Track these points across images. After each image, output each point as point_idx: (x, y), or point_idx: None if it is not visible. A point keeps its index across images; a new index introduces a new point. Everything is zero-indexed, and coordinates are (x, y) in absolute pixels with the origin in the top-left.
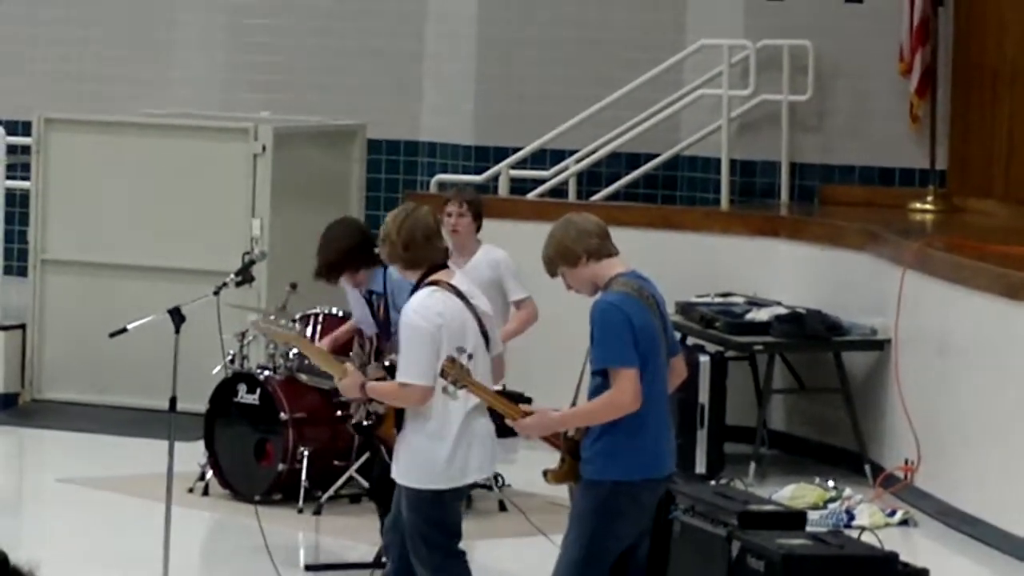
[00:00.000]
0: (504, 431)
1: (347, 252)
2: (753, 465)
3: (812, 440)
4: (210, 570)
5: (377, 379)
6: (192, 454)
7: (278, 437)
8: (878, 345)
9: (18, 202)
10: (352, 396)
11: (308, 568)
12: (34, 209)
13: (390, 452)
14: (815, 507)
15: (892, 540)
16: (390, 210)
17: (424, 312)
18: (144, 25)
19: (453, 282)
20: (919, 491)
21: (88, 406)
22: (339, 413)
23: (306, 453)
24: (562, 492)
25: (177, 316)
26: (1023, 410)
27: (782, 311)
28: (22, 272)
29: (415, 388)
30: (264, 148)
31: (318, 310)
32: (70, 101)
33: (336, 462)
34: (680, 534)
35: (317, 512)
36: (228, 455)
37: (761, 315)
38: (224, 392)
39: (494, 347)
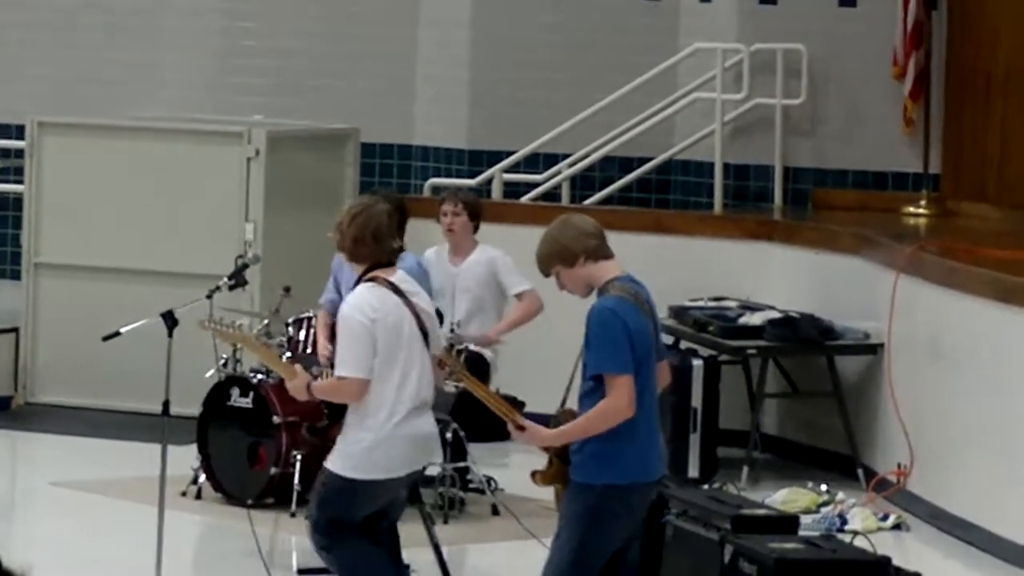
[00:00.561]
0: (497, 434)
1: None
2: (746, 469)
3: (805, 444)
4: (203, 574)
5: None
6: (185, 458)
7: (271, 441)
8: (871, 349)
9: (11, 206)
10: (301, 398)
11: (301, 572)
12: (27, 213)
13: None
14: (808, 511)
15: (885, 544)
16: None
17: (360, 307)
18: (137, 29)
19: (392, 279)
20: (912, 495)
21: (81, 409)
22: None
23: (299, 457)
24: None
25: (170, 319)
26: (1016, 414)
27: (775, 315)
28: (15, 275)
29: (351, 381)
30: (257, 152)
31: (311, 313)
32: (63, 105)
33: None
34: (673, 538)
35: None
36: (221, 459)
37: (754, 319)
38: (217, 396)
39: (434, 345)
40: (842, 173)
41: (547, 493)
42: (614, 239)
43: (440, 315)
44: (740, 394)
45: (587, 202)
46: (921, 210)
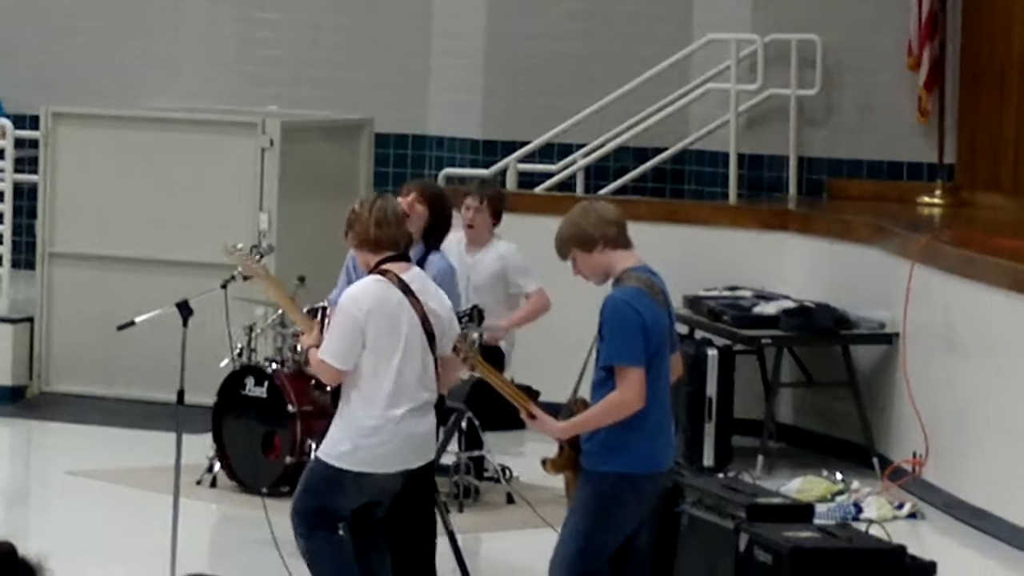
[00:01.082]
0: (512, 422)
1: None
2: (761, 458)
3: (820, 433)
4: (217, 562)
5: None
6: (200, 447)
7: (285, 430)
8: (886, 339)
9: (26, 196)
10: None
11: None
12: (42, 203)
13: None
14: (823, 500)
15: (900, 533)
16: None
17: (357, 297)
18: (152, 18)
19: (404, 276)
20: (927, 484)
21: (96, 399)
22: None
23: (313, 446)
24: None
25: (185, 309)
26: None
27: (790, 305)
28: (30, 265)
29: (328, 367)
30: (272, 142)
31: (326, 303)
32: (78, 95)
33: None
34: (688, 527)
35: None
36: (236, 448)
37: (769, 309)
38: (232, 385)
39: (440, 348)
40: (857, 163)
41: (561, 481)
42: (629, 229)
43: (458, 315)
44: (755, 383)
45: (601, 192)
46: (936, 200)
